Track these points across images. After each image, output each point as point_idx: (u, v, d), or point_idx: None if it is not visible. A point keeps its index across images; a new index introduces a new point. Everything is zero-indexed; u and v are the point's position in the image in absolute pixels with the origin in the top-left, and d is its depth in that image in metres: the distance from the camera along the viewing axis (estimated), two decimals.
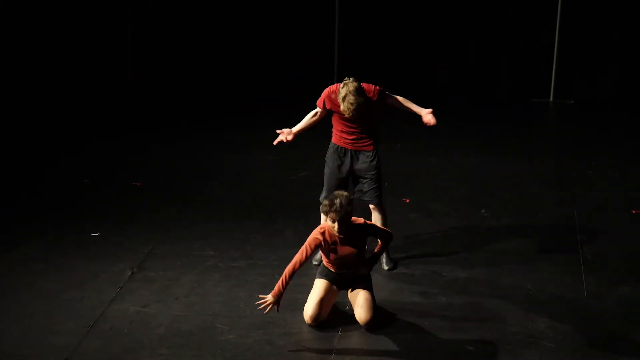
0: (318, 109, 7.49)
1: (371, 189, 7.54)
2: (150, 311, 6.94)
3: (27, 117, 12.15)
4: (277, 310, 6.65)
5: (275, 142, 7.58)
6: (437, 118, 7.49)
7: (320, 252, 7.34)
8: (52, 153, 10.73)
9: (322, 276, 6.84)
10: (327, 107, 7.38)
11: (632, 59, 13.35)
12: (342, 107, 7.14)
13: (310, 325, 6.75)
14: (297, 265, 6.64)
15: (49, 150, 10.82)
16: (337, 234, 6.62)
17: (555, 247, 8.29)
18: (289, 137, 7.54)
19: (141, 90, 13.66)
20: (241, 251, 8.07)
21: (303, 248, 6.66)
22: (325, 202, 6.57)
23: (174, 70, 14.03)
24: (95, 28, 13.93)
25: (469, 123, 12.38)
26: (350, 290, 6.87)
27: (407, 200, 9.35)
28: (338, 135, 7.52)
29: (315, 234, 6.68)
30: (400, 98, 7.61)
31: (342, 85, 7.16)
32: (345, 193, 6.60)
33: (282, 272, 7.56)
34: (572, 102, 13.45)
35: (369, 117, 7.40)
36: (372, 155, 7.51)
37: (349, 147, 7.49)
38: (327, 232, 6.65)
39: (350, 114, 7.13)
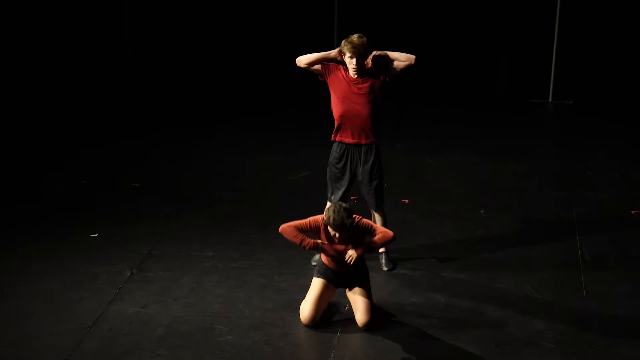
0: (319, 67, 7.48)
1: (372, 194, 7.54)
2: (149, 312, 6.94)
3: (26, 118, 12.14)
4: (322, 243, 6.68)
5: None
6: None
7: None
8: (51, 154, 10.72)
9: (320, 274, 6.84)
10: (327, 76, 7.43)
11: (630, 60, 13.36)
12: (348, 49, 7.21)
13: (306, 325, 6.75)
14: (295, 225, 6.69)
15: (47, 151, 10.82)
16: (337, 242, 6.66)
17: (555, 247, 8.29)
18: None
19: (140, 91, 13.66)
20: (240, 252, 8.07)
21: (305, 220, 6.71)
22: (326, 215, 6.58)
23: (174, 71, 14.03)
24: (94, 28, 13.94)
25: (468, 123, 12.39)
26: (348, 289, 6.86)
27: (407, 201, 9.34)
28: (340, 127, 7.49)
29: (318, 220, 6.68)
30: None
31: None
32: (344, 205, 6.58)
33: (282, 273, 7.59)
34: (571, 102, 13.46)
35: (373, 103, 7.38)
36: (373, 151, 7.48)
37: (349, 140, 7.45)
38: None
39: (346, 48, 7.19)
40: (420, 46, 13.68)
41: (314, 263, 7.68)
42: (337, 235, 6.56)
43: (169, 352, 6.41)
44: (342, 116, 7.42)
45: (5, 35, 13.46)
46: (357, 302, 6.75)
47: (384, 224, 7.62)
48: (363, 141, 7.47)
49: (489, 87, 13.74)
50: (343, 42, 7.32)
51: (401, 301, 7.20)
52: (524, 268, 7.85)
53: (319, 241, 6.69)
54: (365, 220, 6.74)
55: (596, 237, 8.52)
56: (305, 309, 6.76)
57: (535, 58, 13.55)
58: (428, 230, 8.64)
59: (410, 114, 12.65)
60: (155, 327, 6.73)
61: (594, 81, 13.55)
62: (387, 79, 7.41)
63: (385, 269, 7.69)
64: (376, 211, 7.64)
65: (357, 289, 6.80)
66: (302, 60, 7.45)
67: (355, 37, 7.28)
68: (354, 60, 7.26)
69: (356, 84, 7.33)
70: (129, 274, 7.58)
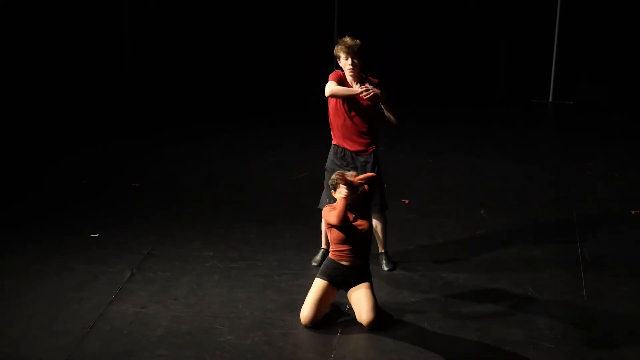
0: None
1: (376, 199, 7.46)
2: (149, 312, 6.94)
3: (26, 119, 12.15)
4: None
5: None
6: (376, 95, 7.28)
7: (323, 247, 7.46)
8: (51, 155, 10.73)
9: (322, 276, 6.84)
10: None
11: (631, 60, 13.37)
12: (341, 50, 7.25)
13: (306, 326, 6.75)
14: None
15: (47, 151, 10.82)
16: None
17: (555, 247, 8.29)
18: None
19: (139, 92, 13.67)
20: (240, 252, 8.07)
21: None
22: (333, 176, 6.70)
23: (173, 71, 14.04)
24: (93, 28, 13.94)
25: (468, 124, 12.40)
26: (350, 290, 6.85)
27: (407, 201, 9.35)
28: (339, 135, 7.49)
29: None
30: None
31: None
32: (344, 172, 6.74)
33: (282, 273, 7.60)
34: (571, 103, 13.47)
35: (370, 113, 7.39)
36: (371, 160, 7.47)
37: (348, 147, 7.45)
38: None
39: (341, 49, 7.22)
40: (421, 46, 13.70)
41: (314, 263, 7.69)
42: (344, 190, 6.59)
43: (169, 353, 6.40)
44: (342, 125, 7.42)
45: (5, 36, 13.46)
46: (361, 300, 6.74)
47: (384, 228, 7.65)
48: (363, 148, 7.45)
49: (489, 87, 13.74)
50: (336, 46, 7.34)
51: (401, 301, 7.20)
52: (524, 268, 7.85)
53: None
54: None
55: (596, 237, 8.52)
56: (305, 310, 6.75)
57: (535, 58, 13.55)
58: (428, 231, 8.64)
59: (410, 114, 12.66)
60: (156, 327, 6.73)
61: (594, 82, 13.55)
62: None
63: (385, 269, 7.69)
64: (378, 215, 7.64)
65: (361, 288, 6.78)
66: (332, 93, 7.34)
67: (347, 39, 7.32)
68: (349, 60, 7.26)
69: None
70: (129, 274, 7.59)
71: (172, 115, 12.56)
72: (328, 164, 7.54)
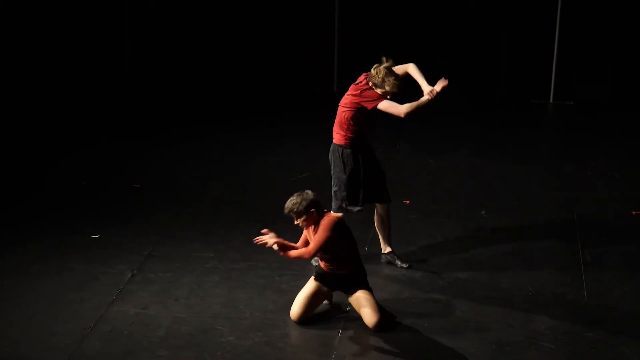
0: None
1: (384, 189, 7.61)
2: (150, 313, 6.94)
3: (26, 119, 12.14)
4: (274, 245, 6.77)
5: None
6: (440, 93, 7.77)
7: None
8: (51, 155, 10.72)
9: (315, 276, 6.89)
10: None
11: (631, 61, 13.36)
12: (387, 87, 7.27)
13: (295, 322, 6.79)
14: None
15: (47, 152, 10.81)
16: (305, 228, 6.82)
17: (555, 248, 8.29)
18: None
19: (139, 92, 13.66)
20: (241, 253, 8.07)
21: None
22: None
23: (173, 72, 14.02)
24: (93, 28, 13.90)
25: (468, 124, 12.39)
26: (349, 294, 6.85)
27: (407, 202, 9.34)
28: (362, 134, 7.48)
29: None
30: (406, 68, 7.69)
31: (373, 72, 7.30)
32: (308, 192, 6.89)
33: (282, 274, 7.61)
34: (572, 103, 13.46)
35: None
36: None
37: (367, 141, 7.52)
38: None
39: (397, 88, 7.30)
40: (421, 46, 13.69)
41: (314, 263, 7.68)
42: (303, 224, 6.85)
43: (169, 353, 6.40)
44: (366, 128, 7.50)
45: (5, 36, 13.43)
46: (363, 303, 6.74)
47: (389, 221, 7.74)
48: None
49: (490, 88, 13.73)
50: (387, 79, 7.35)
51: (402, 302, 7.19)
52: (525, 268, 7.84)
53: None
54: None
55: (597, 237, 8.52)
56: (293, 306, 6.83)
57: (536, 58, 13.53)
58: (429, 231, 8.63)
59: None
60: (156, 328, 6.73)
61: (595, 82, 13.54)
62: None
63: (405, 265, 7.74)
64: (385, 207, 7.69)
65: (360, 294, 6.79)
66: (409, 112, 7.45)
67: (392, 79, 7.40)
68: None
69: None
70: (129, 275, 7.58)
71: (172, 115, 12.54)
72: (345, 160, 7.50)
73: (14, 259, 7.84)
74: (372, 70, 7.32)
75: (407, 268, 7.72)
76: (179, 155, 10.79)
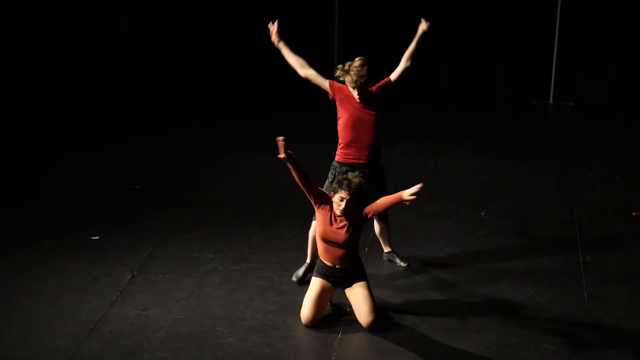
0: (326, 82, 7.45)
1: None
2: (150, 314, 6.95)
3: (26, 119, 12.14)
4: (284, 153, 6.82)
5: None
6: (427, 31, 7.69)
7: (307, 261, 7.39)
8: (51, 156, 10.73)
9: (317, 274, 6.86)
10: (335, 96, 7.34)
11: (631, 62, 13.36)
12: (347, 78, 7.11)
13: (307, 326, 6.76)
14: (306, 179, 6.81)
15: (48, 154, 10.82)
16: (339, 214, 6.66)
17: (555, 249, 8.30)
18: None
19: (139, 93, 13.66)
20: (241, 254, 8.08)
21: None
22: (338, 177, 6.69)
23: (173, 71, 14.01)
24: (93, 28, 13.87)
25: (469, 125, 12.40)
26: (348, 288, 6.86)
27: (408, 203, 9.33)
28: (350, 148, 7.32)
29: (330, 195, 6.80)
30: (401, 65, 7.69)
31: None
32: (357, 174, 6.72)
33: (283, 275, 7.60)
34: (572, 104, 13.47)
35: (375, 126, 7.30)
36: (376, 169, 7.38)
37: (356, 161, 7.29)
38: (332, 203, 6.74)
39: (357, 80, 7.08)
40: (421, 47, 13.70)
41: (294, 279, 7.52)
42: (343, 205, 6.59)
43: (169, 355, 6.41)
44: (351, 138, 7.27)
45: (5, 36, 13.40)
46: (360, 302, 6.75)
47: (388, 230, 7.75)
48: (369, 161, 7.32)
49: (490, 89, 13.73)
50: (339, 71, 7.22)
51: (402, 303, 7.20)
52: (525, 270, 7.85)
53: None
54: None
55: (597, 238, 8.52)
56: (304, 310, 6.78)
57: (536, 59, 13.54)
58: (429, 232, 8.64)
59: (411, 115, 12.65)
60: (156, 330, 6.74)
61: (595, 83, 13.55)
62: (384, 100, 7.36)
63: (403, 264, 7.78)
64: (385, 222, 7.69)
65: (358, 289, 6.79)
66: (301, 73, 7.41)
67: (355, 66, 7.20)
68: (355, 91, 7.16)
69: (363, 106, 7.21)
70: (129, 276, 7.59)
71: (172, 116, 12.55)
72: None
73: (14, 260, 7.85)
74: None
75: (405, 267, 7.74)
76: (178, 156, 10.79)
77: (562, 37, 13.34)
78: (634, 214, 9.15)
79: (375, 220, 7.70)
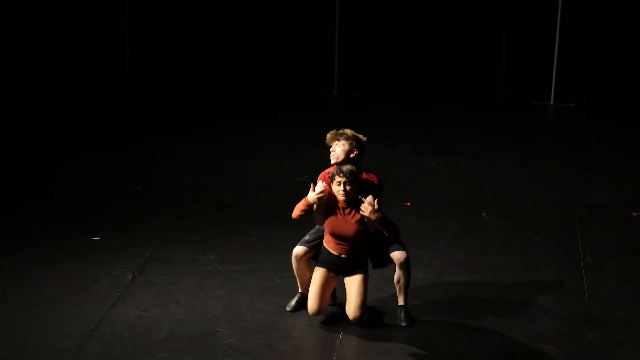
0: None
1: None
2: (151, 315, 6.95)
3: (26, 120, 12.14)
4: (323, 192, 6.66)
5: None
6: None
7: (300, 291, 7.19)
8: (52, 158, 10.74)
9: (320, 264, 6.84)
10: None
11: (631, 62, 13.38)
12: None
13: (313, 315, 6.78)
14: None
15: (48, 155, 10.84)
16: (343, 198, 6.64)
17: (556, 249, 8.30)
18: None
19: (139, 92, 13.66)
20: (242, 255, 8.08)
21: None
22: (333, 171, 6.65)
23: (173, 72, 13.99)
24: (93, 28, 13.85)
25: (469, 126, 12.41)
26: (346, 279, 6.80)
27: (408, 204, 9.35)
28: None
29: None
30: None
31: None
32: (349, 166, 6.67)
33: (283, 276, 7.59)
34: (573, 105, 13.48)
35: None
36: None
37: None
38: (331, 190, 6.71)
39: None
40: (421, 47, 13.70)
41: (288, 309, 7.18)
42: (341, 189, 6.58)
43: (170, 355, 6.41)
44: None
45: (5, 36, 13.36)
46: (353, 295, 6.73)
47: (407, 281, 6.96)
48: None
49: (491, 90, 13.75)
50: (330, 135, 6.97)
51: None
52: (526, 270, 7.86)
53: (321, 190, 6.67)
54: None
55: (597, 239, 8.53)
56: (310, 301, 6.78)
57: (536, 60, 13.56)
58: (430, 233, 8.64)
59: (411, 116, 12.67)
60: (157, 331, 6.74)
61: (596, 83, 13.56)
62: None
63: (403, 324, 6.89)
64: (401, 264, 6.97)
65: (355, 281, 6.74)
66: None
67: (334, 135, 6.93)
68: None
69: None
70: (130, 277, 7.59)
71: (172, 117, 12.56)
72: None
73: (15, 261, 7.85)
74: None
75: (406, 326, 6.89)
76: (179, 157, 10.80)
77: (563, 38, 13.36)
78: (634, 214, 9.15)
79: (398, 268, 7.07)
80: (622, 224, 8.95)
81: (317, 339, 6.69)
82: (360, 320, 6.73)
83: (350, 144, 6.87)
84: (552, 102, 13.57)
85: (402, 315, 6.92)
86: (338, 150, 6.87)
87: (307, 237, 7.03)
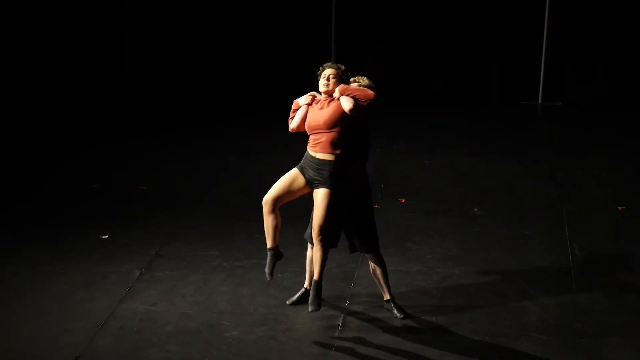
0: None
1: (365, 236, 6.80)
2: (158, 310, 6.97)
3: (27, 120, 12.09)
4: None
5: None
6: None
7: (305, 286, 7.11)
8: (53, 158, 10.73)
9: (299, 167, 6.75)
10: None
11: (617, 61, 13.39)
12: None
13: (265, 206, 6.77)
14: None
15: (48, 155, 10.82)
16: (324, 92, 6.59)
17: (546, 242, 8.32)
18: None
19: (139, 92, 13.60)
20: (244, 251, 8.10)
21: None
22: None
23: (173, 71, 13.89)
24: (93, 28, 13.68)
25: (461, 125, 12.42)
26: (314, 192, 6.63)
27: (403, 200, 9.37)
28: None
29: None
30: None
31: None
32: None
33: (284, 271, 7.60)
34: (560, 104, 13.50)
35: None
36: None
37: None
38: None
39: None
40: (417, 49, 13.70)
41: (288, 303, 7.14)
42: (330, 83, 6.56)
43: (177, 348, 6.43)
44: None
45: (5, 36, 13.23)
46: (315, 209, 6.56)
47: (384, 272, 6.89)
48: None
49: (482, 90, 13.76)
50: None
51: (398, 296, 7.21)
52: (517, 262, 7.88)
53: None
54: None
55: (585, 232, 8.55)
56: (270, 191, 6.71)
57: (525, 61, 13.57)
58: (424, 228, 8.66)
59: (406, 115, 12.68)
60: (164, 324, 6.76)
61: (582, 83, 13.58)
62: None
63: (399, 316, 6.83)
64: (373, 255, 6.88)
65: (318, 194, 6.55)
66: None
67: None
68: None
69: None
70: (138, 273, 7.61)
71: (172, 116, 12.53)
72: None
73: (26, 259, 7.87)
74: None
75: (401, 317, 6.84)
76: (181, 157, 10.80)
77: (550, 40, 13.37)
78: (620, 208, 9.18)
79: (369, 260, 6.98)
80: (608, 218, 8.97)
81: (317, 330, 6.71)
82: (319, 235, 6.44)
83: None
84: (540, 101, 13.59)
85: (394, 308, 6.87)
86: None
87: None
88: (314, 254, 6.57)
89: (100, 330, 6.66)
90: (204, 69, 13.93)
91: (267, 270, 6.80)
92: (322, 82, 6.69)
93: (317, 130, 6.65)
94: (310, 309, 6.53)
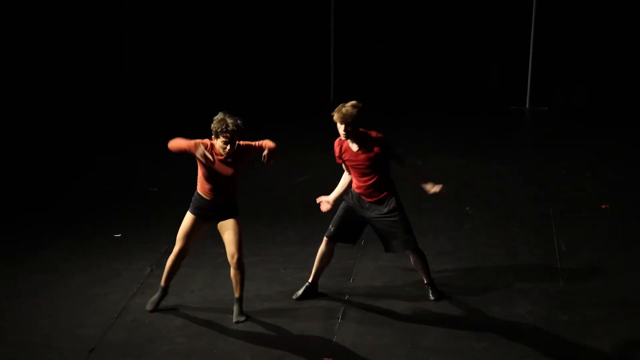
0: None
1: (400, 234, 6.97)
2: (168, 304, 6.99)
3: (27, 121, 12.00)
4: None
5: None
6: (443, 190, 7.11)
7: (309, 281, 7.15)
8: (56, 158, 10.72)
9: (191, 210, 6.77)
10: (343, 157, 6.98)
11: (602, 68, 13.40)
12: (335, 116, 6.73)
13: (177, 256, 6.71)
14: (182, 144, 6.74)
15: (50, 154, 10.80)
16: (224, 154, 6.62)
17: (534, 239, 8.35)
18: (328, 207, 7.03)
19: (139, 92, 13.49)
20: (249, 248, 8.09)
21: (191, 142, 6.72)
22: (219, 119, 6.69)
23: (173, 71, 13.72)
24: (93, 28, 13.37)
25: (453, 129, 12.43)
26: (219, 224, 6.71)
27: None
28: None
29: (203, 141, 6.73)
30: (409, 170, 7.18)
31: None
32: (236, 117, 6.66)
33: (287, 267, 7.60)
34: (546, 108, 13.52)
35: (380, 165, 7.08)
36: (387, 203, 7.10)
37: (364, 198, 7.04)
38: (213, 146, 6.68)
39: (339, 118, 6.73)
40: (413, 53, 13.66)
41: (294, 297, 7.15)
42: (228, 147, 6.59)
43: (186, 340, 6.46)
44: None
45: (5, 36, 13.00)
46: (229, 238, 6.62)
47: (424, 262, 7.11)
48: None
49: (472, 95, 13.77)
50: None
51: (395, 291, 7.25)
52: (506, 258, 7.91)
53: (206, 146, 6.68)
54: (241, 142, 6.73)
55: (571, 229, 8.58)
56: (177, 242, 6.71)
57: (513, 66, 13.56)
58: (418, 227, 8.61)
59: (401, 119, 12.69)
60: (174, 318, 6.78)
61: (568, 88, 13.60)
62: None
63: (432, 298, 7.08)
64: (411, 251, 7.10)
65: (229, 224, 6.66)
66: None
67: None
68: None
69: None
70: (149, 270, 7.64)
71: (173, 116, 12.42)
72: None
73: (44, 257, 7.89)
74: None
75: (435, 299, 7.09)
76: (182, 158, 10.77)
77: (536, 47, 13.36)
78: (603, 206, 9.21)
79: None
80: (592, 215, 9.00)
81: (318, 323, 6.74)
82: (239, 261, 6.58)
83: (346, 124, 6.76)
84: (527, 106, 13.61)
85: (429, 290, 7.10)
86: (341, 131, 6.78)
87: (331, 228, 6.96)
88: (234, 276, 6.65)
89: (114, 324, 6.69)
90: (204, 69, 13.70)
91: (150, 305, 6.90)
92: (222, 146, 6.69)
93: (222, 179, 6.68)
94: (234, 320, 6.63)
